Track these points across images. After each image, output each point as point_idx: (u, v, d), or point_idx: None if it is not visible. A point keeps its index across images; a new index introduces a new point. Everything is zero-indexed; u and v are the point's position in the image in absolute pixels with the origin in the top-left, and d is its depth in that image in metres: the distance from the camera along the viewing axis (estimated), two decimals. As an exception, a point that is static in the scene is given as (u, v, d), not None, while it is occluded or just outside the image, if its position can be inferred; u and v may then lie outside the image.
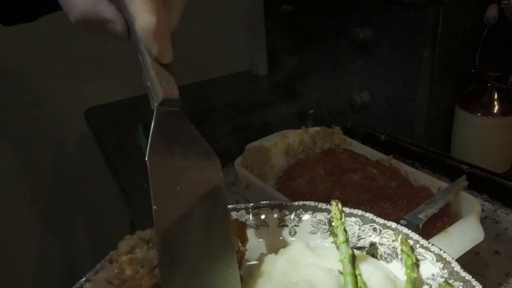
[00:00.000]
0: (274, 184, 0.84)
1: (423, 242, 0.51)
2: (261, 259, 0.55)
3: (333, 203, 0.54)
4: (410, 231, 0.53)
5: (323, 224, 0.58)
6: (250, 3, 1.58)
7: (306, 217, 0.59)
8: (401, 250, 0.51)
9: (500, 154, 1.04)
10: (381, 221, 0.55)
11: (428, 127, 1.09)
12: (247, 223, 0.59)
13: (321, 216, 0.58)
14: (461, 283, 0.47)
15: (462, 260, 0.66)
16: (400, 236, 0.52)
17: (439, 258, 0.49)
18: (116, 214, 1.50)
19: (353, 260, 0.50)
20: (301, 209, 0.59)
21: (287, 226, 0.59)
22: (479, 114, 1.02)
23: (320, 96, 1.29)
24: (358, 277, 0.49)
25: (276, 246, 0.58)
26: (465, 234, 0.63)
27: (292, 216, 0.59)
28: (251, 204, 0.60)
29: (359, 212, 0.56)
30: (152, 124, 0.43)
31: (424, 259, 0.50)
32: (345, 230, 0.52)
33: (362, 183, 0.73)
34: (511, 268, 0.71)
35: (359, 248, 0.55)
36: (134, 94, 1.46)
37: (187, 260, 0.42)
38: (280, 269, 0.52)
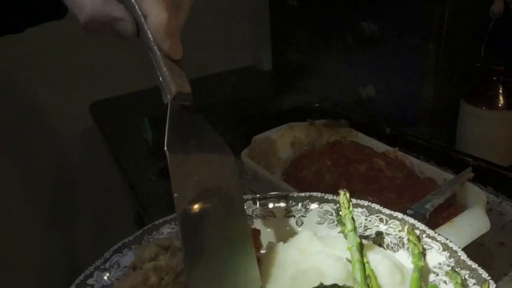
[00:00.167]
0: (281, 176, 0.85)
1: (430, 232, 0.52)
2: (269, 247, 0.55)
3: (341, 192, 0.54)
4: (416, 221, 0.53)
5: (330, 215, 0.58)
6: (255, -3, 1.58)
7: (313, 207, 0.59)
8: (408, 239, 0.52)
9: (505, 147, 1.04)
10: (387, 211, 0.55)
11: (433, 121, 1.09)
12: (254, 214, 0.60)
13: (327, 207, 0.59)
14: (468, 271, 0.47)
15: (468, 251, 0.67)
16: (406, 226, 0.53)
17: (446, 247, 0.50)
18: (121, 210, 1.51)
19: (361, 248, 0.50)
20: (308, 200, 0.59)
21: (294, 216, 0.60)
22: (484, 108, 1.02)
23: (325, 90, 1.29)
24: (366, 264, 0.49)
25: (284, 236, 0.58)
26: (471, 224, 0.63)
27: (299, 206, 0.60)
28: (258, 195, 0.61)
29: (366, 203, 0.57)
30: (168, 117, 0.44)
31: (430, 249, 0.51)
32: (352, 218, 0.52)
33: (369, 174, 0.73)
34: (516, 259, 0.72)
35: (366, 238, 0.56)
36: (138, 88, 1.46)
37: (208, 246, 0.43)
38: (288, 257, 0.53)
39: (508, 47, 1.06)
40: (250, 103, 1.33)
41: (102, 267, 0.50)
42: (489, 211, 0.80)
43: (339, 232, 0.56)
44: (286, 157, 0.90)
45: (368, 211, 0.56)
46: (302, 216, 0.59)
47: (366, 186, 0.72)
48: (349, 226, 0.52)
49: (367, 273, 0.48)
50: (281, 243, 0.56)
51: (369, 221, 0.56)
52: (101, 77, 1.45)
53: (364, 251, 0.51)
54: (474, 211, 0.66)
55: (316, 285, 0.45)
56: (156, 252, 0.50)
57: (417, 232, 0.52)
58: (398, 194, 0.70)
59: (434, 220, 0.66)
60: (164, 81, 0.45)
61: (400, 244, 0.54)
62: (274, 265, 0.52)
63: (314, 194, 0.59)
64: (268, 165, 0.85)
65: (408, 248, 0.52)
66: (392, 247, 0.54)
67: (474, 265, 0.47)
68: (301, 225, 0.59)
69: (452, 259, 0.49)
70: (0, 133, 1.34)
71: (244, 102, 1.33)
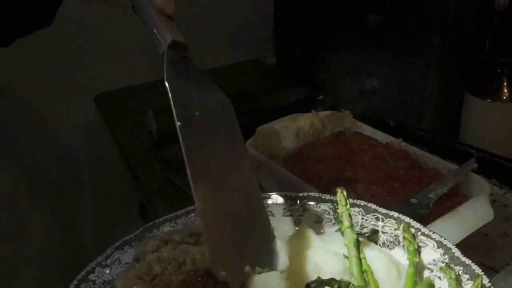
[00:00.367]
0: (285, 166, 0.85)
1: (424, 230, 0.53)
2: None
3: (338, 190, 0.55)
4: (411, 220, 0.54)
5: (327, 214, 0.59)
6: (259, -10, 1.58)
7: (310, 207, 0.60)
8: (403, 237, 0.53)
9: (509, 139, 1.04)
10: (384, 211, 0.56)
11: (437, 113, 1.09)
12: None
13: (325, 206, 0.59)
14: (461, 267, 0.48)
15: (471, 241, 0.67)
16: (402, 225, 0.54)
17: (440, 244, 0.51)
18: (126, 201, 1.52)
19: (358, 244, 0.52)
20: (305, 200, 0.60)
21: (292, 216, 0.60)
22: (488, 100, 1.02)
23: (329, 82, 1.29)
24: (363, 260, 0.50)
25: (282, 235, 0.58)
26: (475, 213, 0.63)
27: (297, 205, 0.60)
28: None
29: (362, 202, 0.58)
30: (165, 65, 0.44)
31: (425, 246, 0.52)
32: (349, 216, 0.54)
33: (373, 164, 0.73)
34: (519, 249, 0.72)
35: (363, 236, 0.57)
36: (143, 81, 1.47)
37: (215, 170, 0.43)
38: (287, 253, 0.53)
39: (513, 39, 1.06)
40: (255, 95, 1.33)
41: (103, 263, 0.51)
42: (493, 202, 0.80)
43: (336, 231, 0.57)
44: (290, 147, 0.90)
45: (365, 210, 0.57)
46: (300, 215, 0.60)
47: (370, 176, 0.72)
48: (346, 223, 0.53)
49: (363, 268, 0.49)
50: (280, 241, 0.56)
51: (366, 220, 0.57)
52: (106, 69, 1.45)
53: (360, 248, 0.52)
54: (478, 200, 0.66)
55: (313, 279, 0.45)
56: (158, 245, 0.50)
57: (412, 230, 0.53)
58: (402, 184, 0.70)
59: (438, 209, 0.67)
60: (159, 32, 0.46)
61: (396, 242, 0.55)
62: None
63: (312, 194, 0.60)
64: (272, 155, 0.85)
65: (403, 246, 0.53)
66: (388, 245, 0.55)
67: (468, 261, 0.48)
68: (299, 224, 0.60)
69: (446, 256, 0.50)
70: (4, 126, 1.35)
71: (248, 94, 1.34)
